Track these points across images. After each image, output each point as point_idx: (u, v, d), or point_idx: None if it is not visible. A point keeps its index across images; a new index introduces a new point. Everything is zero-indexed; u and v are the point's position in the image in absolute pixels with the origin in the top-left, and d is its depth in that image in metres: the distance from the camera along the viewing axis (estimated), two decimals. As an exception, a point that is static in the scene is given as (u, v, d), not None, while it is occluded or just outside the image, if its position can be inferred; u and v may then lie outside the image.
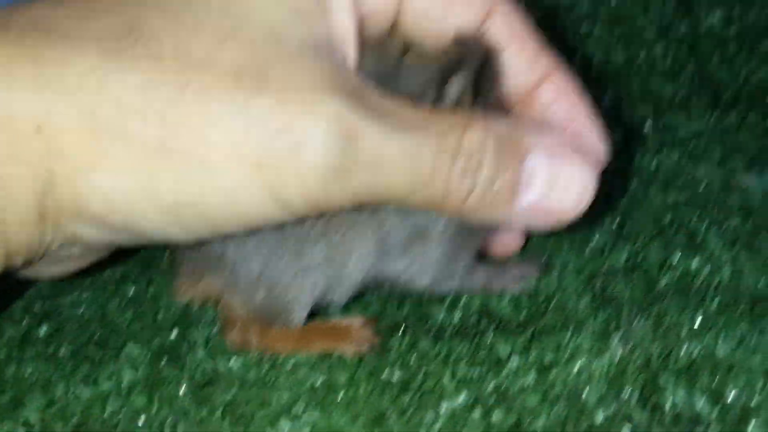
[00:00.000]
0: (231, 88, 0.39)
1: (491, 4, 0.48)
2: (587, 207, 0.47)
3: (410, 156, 0.42)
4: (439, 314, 0.55)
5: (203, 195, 0.40)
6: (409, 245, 0.52)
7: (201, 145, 0.39)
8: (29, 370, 0.54)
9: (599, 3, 0.90)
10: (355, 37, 0.45)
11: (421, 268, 0.53)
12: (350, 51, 0.45)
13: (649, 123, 0.82)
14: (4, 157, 0.38)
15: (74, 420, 0.48)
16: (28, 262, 0.44)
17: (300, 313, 0.53)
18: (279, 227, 0.49)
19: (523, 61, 0.50)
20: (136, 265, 0.66)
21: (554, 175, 0.45)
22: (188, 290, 0.55)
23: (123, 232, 0.43)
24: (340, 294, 0.53)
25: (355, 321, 0.53)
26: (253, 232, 0.48)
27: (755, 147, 0.75)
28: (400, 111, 0.43)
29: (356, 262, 0.52)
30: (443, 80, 0.47)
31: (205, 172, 0.40)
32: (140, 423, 0.48)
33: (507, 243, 0.58)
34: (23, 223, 0.40)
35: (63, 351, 0.55)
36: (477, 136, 0.43)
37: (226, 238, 0.50)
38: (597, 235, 0.62)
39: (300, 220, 0.47)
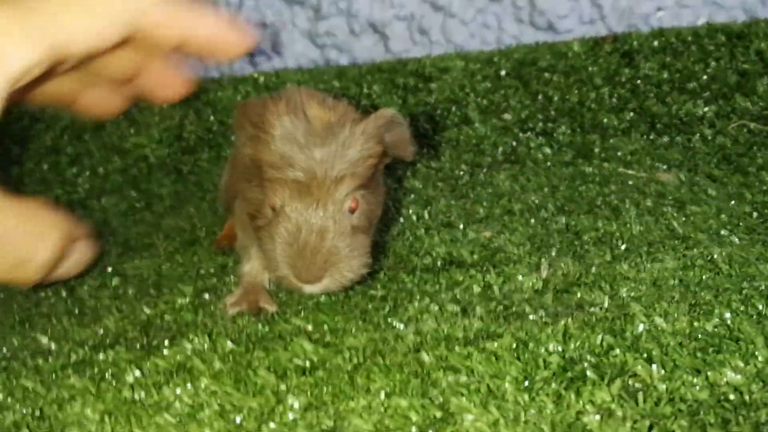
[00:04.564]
0: None
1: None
2: None
3: None
4: (415, 260, 0.72)
5: None
6: None
7: None
8: (106, 302, 0.71)
9: (558, 57, 1.11)
10: None
11: None
12: None
13: (597, 145, 1.00)
14: None
15: (139, 327, 0.66)
16: None
17: None
18: None
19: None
20: (183, 243, 0.84)
21: None
22: (223, 242, 0.75)
23: None
24: None
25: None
26: None
27: (678, 158, 0.93)
28: None
29: None
30: None
31: None
32: (189, 332, 0.65)
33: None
34: None
35: (130, 292, 0.73)
36: None
37: None
38: (542, 211, 0.80)
39: None
